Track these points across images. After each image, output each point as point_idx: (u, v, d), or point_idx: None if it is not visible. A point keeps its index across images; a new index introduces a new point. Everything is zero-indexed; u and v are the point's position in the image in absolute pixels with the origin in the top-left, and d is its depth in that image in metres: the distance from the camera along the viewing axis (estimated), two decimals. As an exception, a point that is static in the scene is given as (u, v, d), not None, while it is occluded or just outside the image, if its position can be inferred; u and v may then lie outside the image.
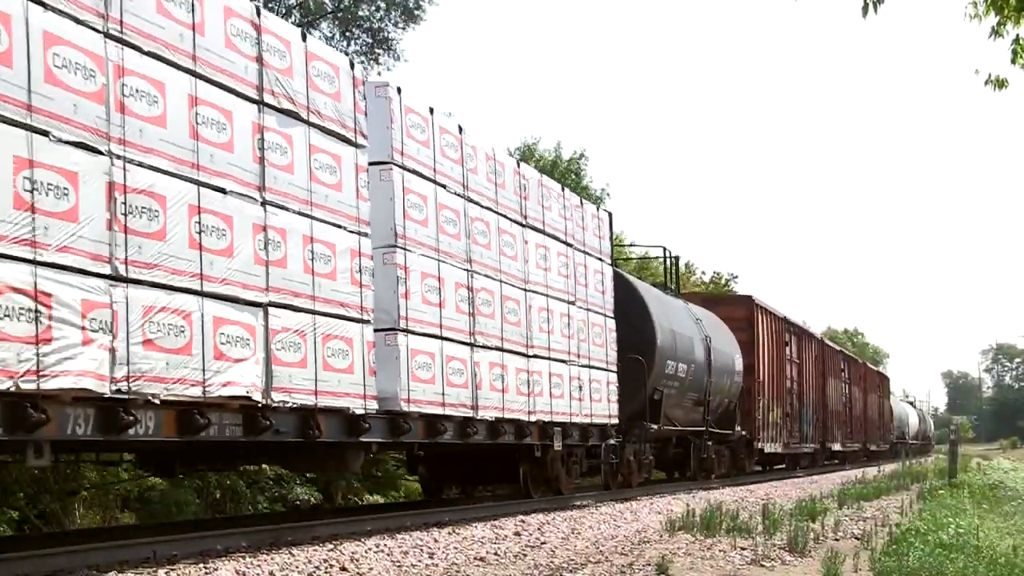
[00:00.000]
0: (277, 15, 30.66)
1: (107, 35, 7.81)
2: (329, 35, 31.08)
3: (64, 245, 7.24)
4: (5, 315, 6.75)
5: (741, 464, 25.31)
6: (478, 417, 12.73)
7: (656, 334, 18.83)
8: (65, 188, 7.29)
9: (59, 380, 7.14)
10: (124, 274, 7.71)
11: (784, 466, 30.43)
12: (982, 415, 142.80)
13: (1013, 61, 8.93)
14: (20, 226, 6.92)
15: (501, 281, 13.56)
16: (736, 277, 52.25)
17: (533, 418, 14.15)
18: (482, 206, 13.27)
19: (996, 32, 8.79)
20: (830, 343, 37.97)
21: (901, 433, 58.12)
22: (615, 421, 17.11)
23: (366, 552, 9.28)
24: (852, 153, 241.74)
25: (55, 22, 7.32)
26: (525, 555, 9.76)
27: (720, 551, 10.14)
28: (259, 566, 8.19)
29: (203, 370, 8.40)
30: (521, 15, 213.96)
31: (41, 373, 6.98)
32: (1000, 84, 9.14)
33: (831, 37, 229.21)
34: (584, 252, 16.43)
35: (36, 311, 6.94)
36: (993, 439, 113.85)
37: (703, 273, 51.18)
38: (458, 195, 12.74)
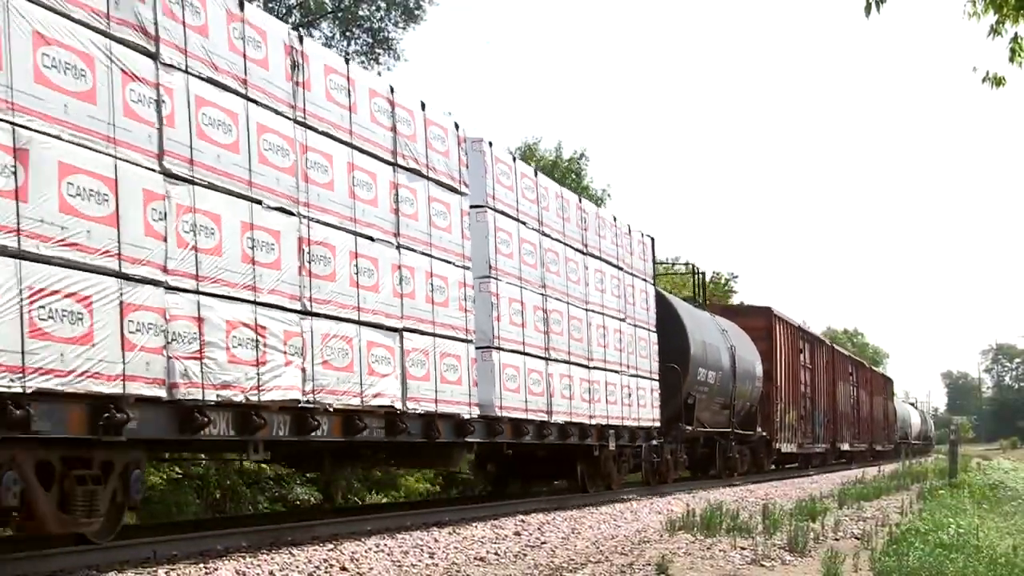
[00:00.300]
0: (277, 15, 30.61)
1: (295, 121, 10.02)
2: (329, 35, 31.09)
3: (272, 288, 9.45)
4: (238, 344, 8.95)
5: (760, 463, 26.91)
6: (551, 421, 14.78)
7: (690, 345, 20.94)
8: (272, 244, 9.49)
9: (271, 394, 9.35)
10: (310, 309, 9.91)
11: (797, 464, 32.04)
12: (982, 415, 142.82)
13: (1011, 59, 8.93)
14: (245, 275, 9.13)
15: (568, 303, 15.73)
16: (736, 277, 52.32)
17: (593, 421, 16.21)
18: (552, 238, 15.39)
19: (994, 30, 8.79)
20: (840, 349, 40.40)
21: (904, 433, 60.02)
22: (657, 424, 19.13)
23: (366, 552, 9.29)
24: (852, 152, 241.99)
25: (265, 116, 9.61)
26: (525, 555, 9.76)
27: (720, 551, 10.14)
28: (259, 566, 8.20)
29: (360, 384, 10.56)
30: (521, 15, 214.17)
31: (261, 388, 9.20)
32: (998, 82, 9.14)
33: (831, 36, 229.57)
34: (632, 274, 18.61)
35: (256, 340, 9.14)
36: (993, 439, 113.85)
37: (702, 273, 51.17)
38: (535, 230, 14.89)
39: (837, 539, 11.62)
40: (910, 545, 9.85)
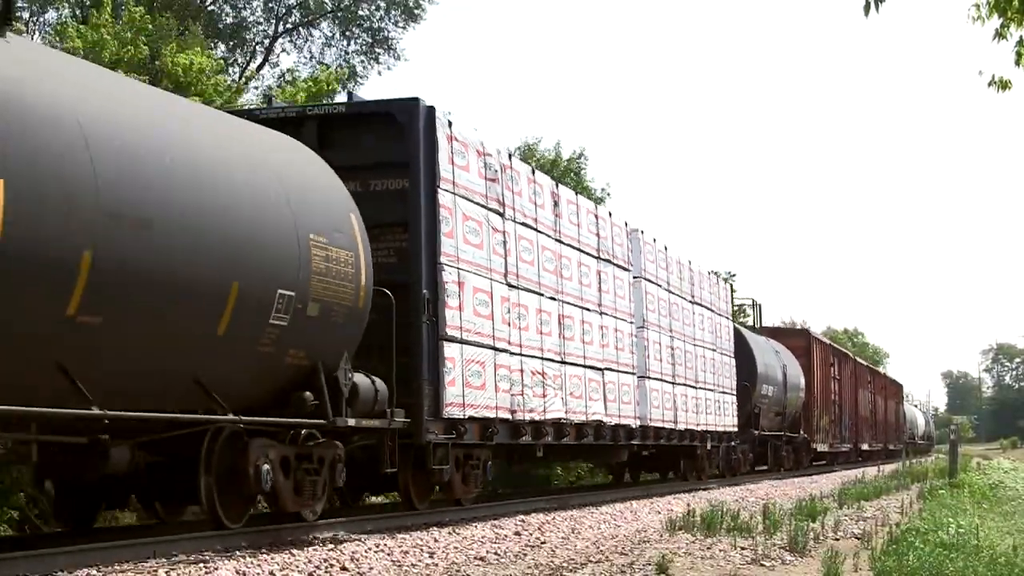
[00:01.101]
0: (276, 15, 30.05)
1: (556, 240, 15.65)
2: (329, 34, 31.14)
3: (549, 348, 15.01)
4: (535, 385, 14.39)
5: (800, 459, 32.22)
6: (676, 428, 20.35)
7: (757, 367, 27.23)
8: (548, 320, 15.03)
9: (549, 414, 14.82)
10: (565, 360, 15.47)
11: (825, 462, 37.01)
12: (982, 415, 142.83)
13: (1017, 63, 8.91)
14: (537, 341, 14.69)
15: (684, 341, 21.38)
16: (735, 275, 52.33)
17: (699, 428, 21.83)
18: (675, 295, 21.31)
19: (1000, 34, 8.77)
20: (861, 361, 46.62)
21: (911, 434, 65.09)
22: (735, 429, 24.63)
23: (366, 552, 9.28)
24: (853, 152, 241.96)
25: (544, 240, 15.22)
26: (525, 555, 9.76)
27: (720, 551, 10.14)
28: (259, 566, 8.19)
29: (586, 406, 16.03)
30: (521, 15, 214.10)
31: (545, 411, 14.66)
32: (1004, 86, 9.12)
33: (833, 37, 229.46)
34: (719, 315, 24.61)
35: (543, 382, 14.65)
36: (993, 439, 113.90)
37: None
38: (666, 290, 20.68)
39: (837, 539, 11.63)
40: (910, 545, 9.85)
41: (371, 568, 8.53)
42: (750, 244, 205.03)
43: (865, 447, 42.34)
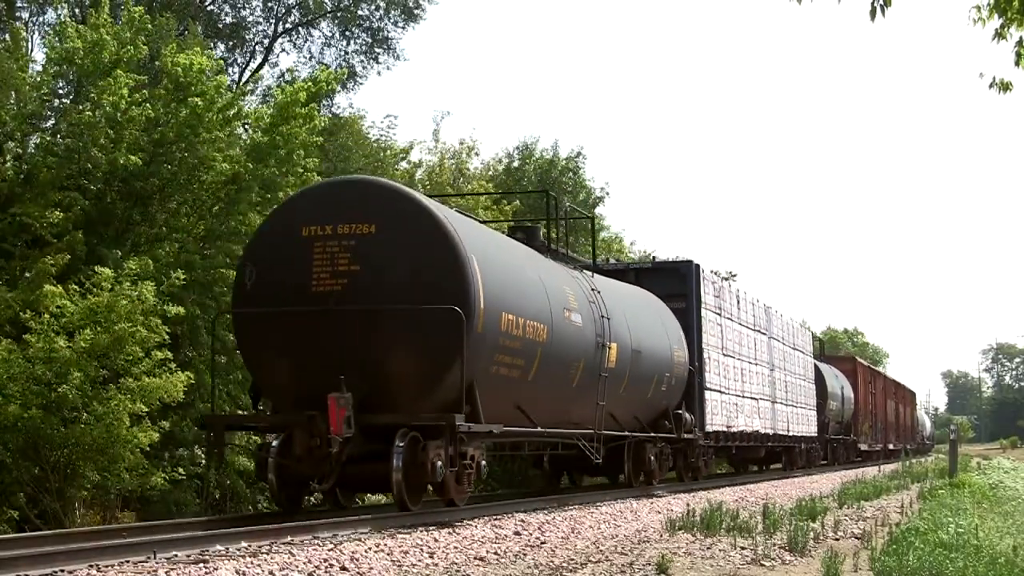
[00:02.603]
0: (276, 15, 29.91)
1: (763, 332, 27.44)
2: (329, 34, 31.11)
3: (769, 395, 26.92)
4: (764, 416, 26.35)
5: (849, 456, 41.56)
6: (787, 434, 28.97)
7: (827, 388, 36.10)
8: (767, 379, 27.09)
9: (741, 427, 24.11)
10: (776, 399, 27.44)
11: (860, 459, 43.73)
12: (982, 415, 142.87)
13: (1016, 63, 8.90)
14: (768, 389, 26.82)
15: (789, 375, 29.93)
16: (735, 275, 52.40)
17: (796, 434, 30.21)
18: (785, 345, 29.90)
19: (1000, 35, 8.76)
20: (890, 376, 58.97)
21: (921, 436, 73.69)
22: (814, 434, 33.11)
23: (366, 552, 9.27)
24: (854, 153, 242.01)
25: (750, 332, 26.14)
26: (525, 555, 9.75)
27: (720, 550, 10.14)
28: (259, 566, 8.18)
29: (788, 424, 28.40)
30: (520, 15, 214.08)
31: (739, 426, 23.92)
32: (1004, 87, 9.11)
33: (833, 38, 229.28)
34: (805, 354, 33.25)
35: (773, 412, 27.13)
36: (993, 439, 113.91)
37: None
38: (781, 343, 29.34)
39: (837, 539, 11.62)
40: (910, 545, 9.85)
41: (371, 568, 8.53)
42: (751, 243, 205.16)
43: (891, 447, 51.53)
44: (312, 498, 14.31)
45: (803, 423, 30.69)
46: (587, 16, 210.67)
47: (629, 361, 17.26)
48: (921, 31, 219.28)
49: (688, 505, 14.50)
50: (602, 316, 16.36)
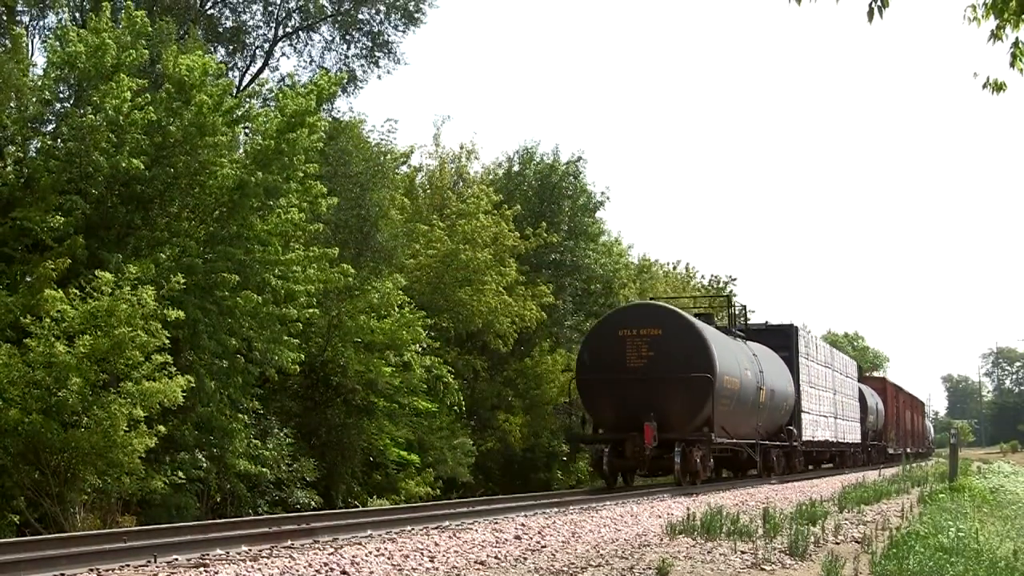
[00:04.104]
0: (276, 19, 29.84)
1: (830, 368, 37.11)
2: (329, 38, 31.09)
3: (832, 412, 35.93)
4: (829, 429, 35.70)
5: (880, 458, 48.02)
6: (843, 441, 37.82)
7: (867, 405, 43.76)
8: (830, 400, 35.91)
9: (822, 437, 34.48)
10: (836, 415, 36.53)
11: (883, 462, 49.19)
12: (982, 419, 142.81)
13: (1012, 64, 8.89)
14: (831, 408, 35.96)
15: (842, 396, 37.90)
16: (735, 279, 52.51)
17: (848, 440, 38.80)
18: (838, 373, 37.86)
19: (995, 35, 8.76)
20: (907, 391, 65.91)
21: (928, 440, 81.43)
22: (858, 441, 41.25)
23: (367, 556, 9.27)
24: (852, 156, 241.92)
25: (822, 368, 35.24)
26: (525, 559, 9.75)
27: (720, 555, 10.14)
28: (259, 570, 8.19)
29: (844, 435, 37.95)
30: (520, 20, 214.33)
31: (821, 436, 34.18)
32: (999, 88, 9.11)
33: (831, 40, 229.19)
34: (852, 380, 41.29)
35: (835, 425, 36.12)
36: (993, 443, 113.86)
37: (702, 277, 51.35)
38: (836, 372, 37.27)
39: (837, 543, 11.62)
40: (910, 549, 9.85)
41: (371, 572, 8.53)
42: (751, 247, 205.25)
43: (908, 450, 58.81)
44: (623, 479, 23.44)
45: (852, 433, 39.66)
46: (586, 20, 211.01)
47: (768, 397, 26.82)
48: (920, 32, 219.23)
49: (688, 509, 14.49)
50: (759, 371, 26.35)
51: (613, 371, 22.04)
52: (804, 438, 30.28)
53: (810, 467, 36.03)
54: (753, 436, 25.76)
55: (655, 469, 22.69)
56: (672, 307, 24.01)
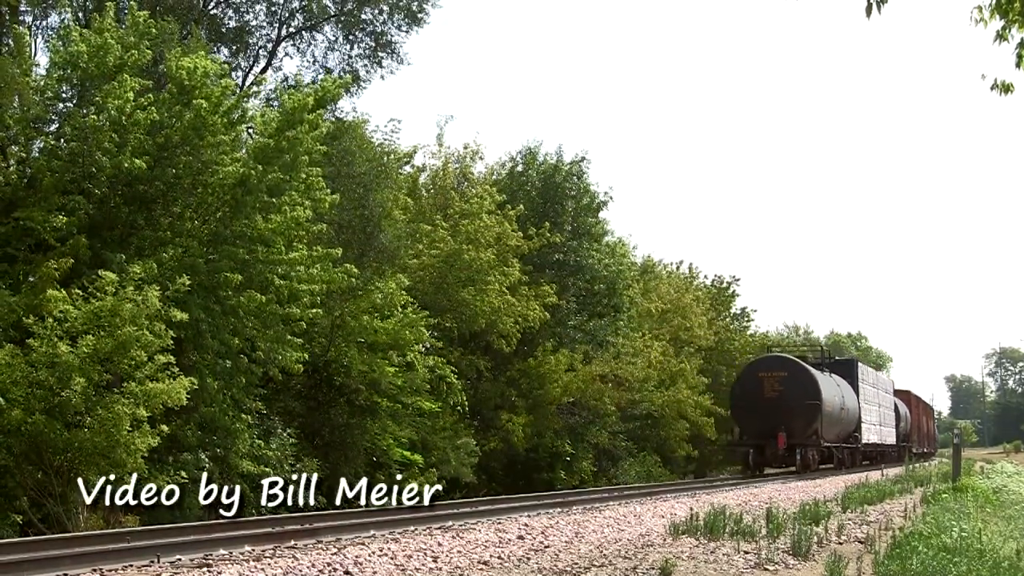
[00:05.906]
0: (280, 19, 29.82)
1: (877, 388, 49.32)
2: (332, 39, 31.10)
3: (877, 421, 46.16)
4: (879, 434, 46.58)
5: (908, 457, 52.28)
6: (884, 443, 47.53)
7: (901, 413, 53.30)
8: (876, 411, 46.69)
9: (872, 440, 44.87)
10: (878, 424, 46.06)
11: (915, 459, 55.08)
12: (985, 419, 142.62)
13: (1018, 65, 8.87)
14: (876, 418, 46.32)
15: (882, 407, 47.53)
16: (738, 280, 52.58)
17: (887, 442, 48.37)
18: (880, 391, 47.81)
19: (1001, 36, 8.74)
20: (924, 399, 74.91)
21: (935, 442, 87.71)
22: (894, 443, 49.76)
23: (370, 556, 9.27)
24: (856, 156, 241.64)
25: (874, 390, 46.94)
26: (529, 559, 9.74)
27: (724, 555, 10.12)
28: (263, 570, 8.18)
29: (873, 436, 44.91)
30: (523, 20, 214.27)
31: (870, 439, 44.35)
32: (1006, 89, 9.08)
33: (835, 40, 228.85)
34: (889, 394, 50.90)
35: (880, 431, 47.14)
36: (996, 443, 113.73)
37: (705, 277, 51.36)
38: (879, 390, 47.53)
39: (841, 543, 11.61)
40: (913, 549, 9.84)
41: (375, 572, 8.53)
42: (754, 248, 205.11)
43: (924, 450, 66.54)
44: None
45: (890, 436, 48.98)
46: (590, 20, 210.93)
47: (846, 413, 37.35)
48: (923, 32, 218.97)
49: (691, 509, 14.48)
50: (842, 395, 36.90)
51: (756, 399, 33.78)
52: (863, 441, 41.71)
53: (865, 462, 45.10)
54: (837, 440, 37.12)
55: (783, 463, 33.98)
56: (792, 357, 37.15)
